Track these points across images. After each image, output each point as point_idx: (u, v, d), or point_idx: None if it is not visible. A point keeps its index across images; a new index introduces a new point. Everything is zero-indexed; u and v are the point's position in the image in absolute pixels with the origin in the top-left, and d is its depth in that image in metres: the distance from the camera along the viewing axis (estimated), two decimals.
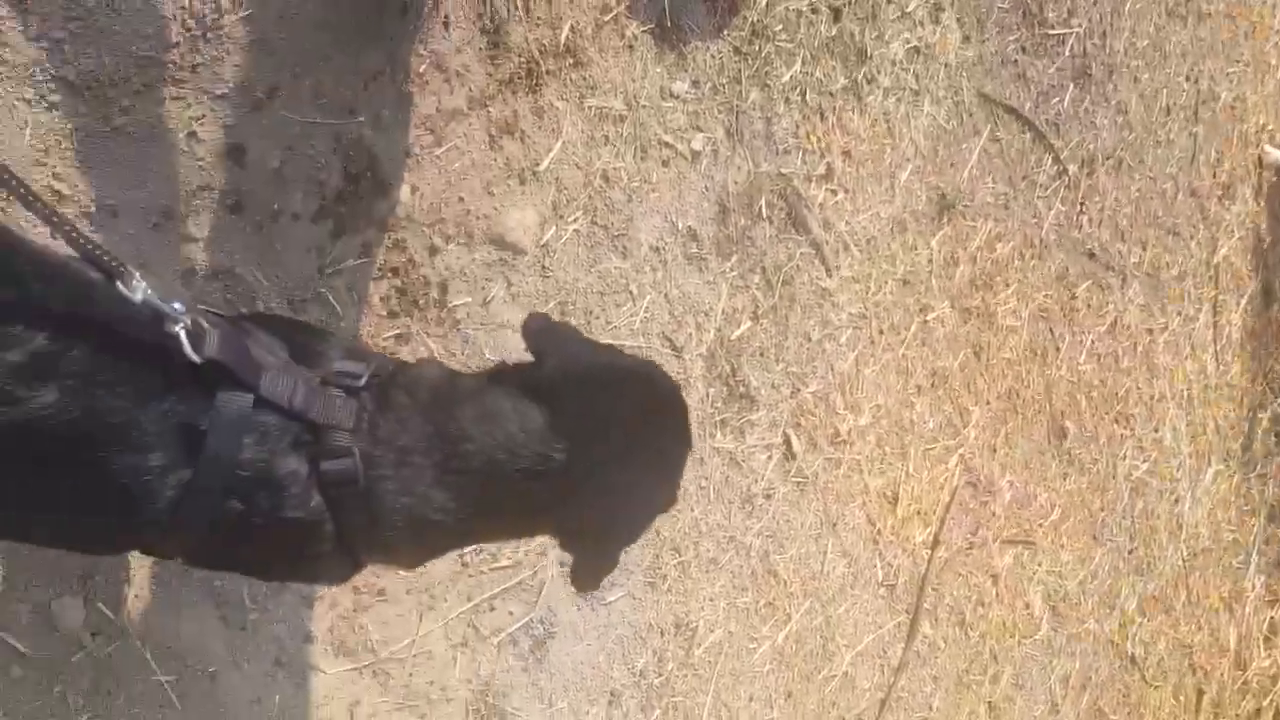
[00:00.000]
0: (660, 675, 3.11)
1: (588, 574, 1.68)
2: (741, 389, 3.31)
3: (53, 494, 1.33)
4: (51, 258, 1.33)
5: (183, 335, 1.32)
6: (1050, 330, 4.77)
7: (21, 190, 1.17)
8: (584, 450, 1.53)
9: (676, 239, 3.10)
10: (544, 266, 2.77)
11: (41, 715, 2.04)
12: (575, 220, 2.83)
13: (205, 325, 1.36)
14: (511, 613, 2.74)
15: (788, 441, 3.48)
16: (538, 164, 2.72)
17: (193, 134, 2.09)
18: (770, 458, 3.42)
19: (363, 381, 1.50)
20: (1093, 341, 5.07)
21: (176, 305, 1.32)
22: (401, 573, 2.48)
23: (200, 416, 1.36)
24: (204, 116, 2.09)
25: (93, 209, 2.01)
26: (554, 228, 2.78)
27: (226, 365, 1.36)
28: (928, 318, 4.06)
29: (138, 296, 1.28)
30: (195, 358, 1.33)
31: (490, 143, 2.61)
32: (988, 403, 4.41)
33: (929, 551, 4.11)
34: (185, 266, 2.12)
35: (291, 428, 1.43)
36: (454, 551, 1.77)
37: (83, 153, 1.99)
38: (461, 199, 2.56)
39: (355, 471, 1.46)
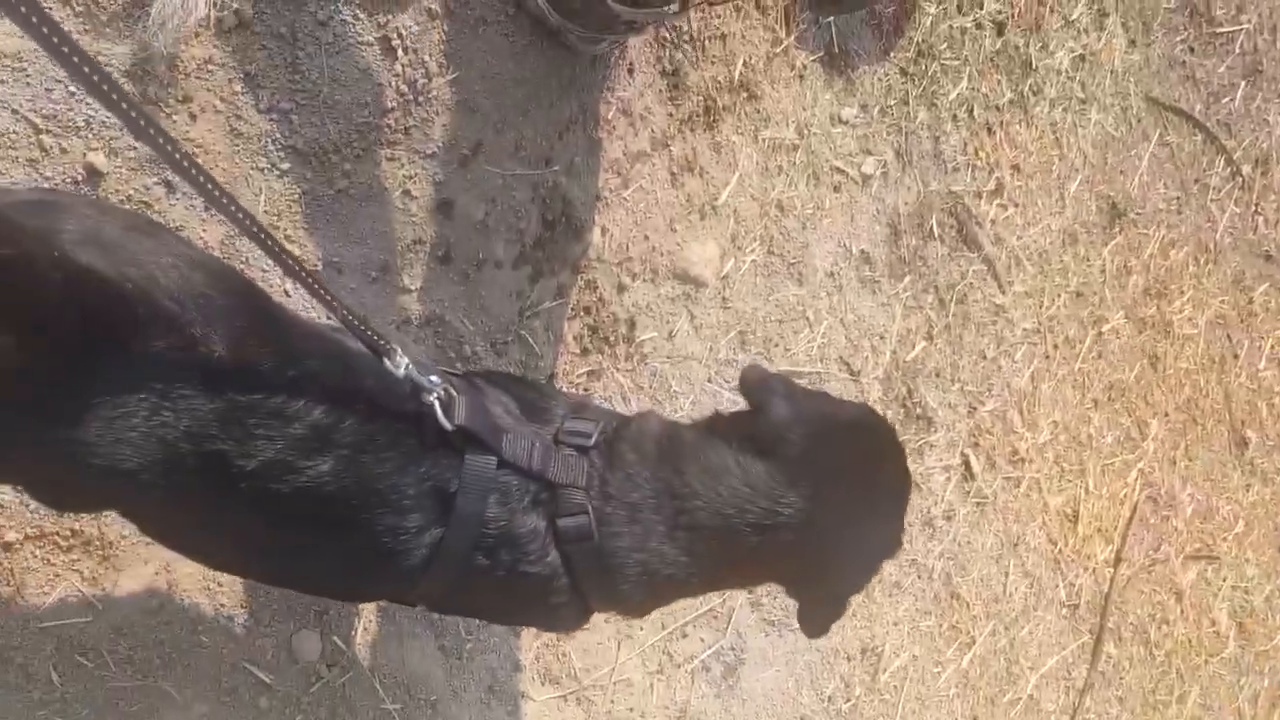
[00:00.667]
0: (848, 700, 3.11)
1: (816, 621, 1.71)
2: (918, 410, 3.30)
3: (322, 551, 1.44)
4: (319, 332, 1.43)
5: (437, 405, 1.41)
6: (1228, 336, 4.61)
7: (310, 280, 1.27)
8: (810, 501, 1.56)
9: (850, 263, 3.11)
10: (724, 298, 2.82)
11: None
12: (753, 251, 2.87)
13: (454, 394, 1.45)
14: (703, 640, 2.79)
15: (966, 462, 3.45)
16: (716, 198, 2.77)
17: (406, 192, 2.21)
18: (949, 479, 3.40)
19: (592, 441, 1.57)
20: (1272, 346, 4.87)
21: (433, 378, 1.42)
22: None
23: (451, 479, 1.45)
24: (416, 175, 2.21)
25: (320, 266, 2.13)
26: (733, 259, 2.83)
27: (474, 431, 1.45)
28: (1102, 330, 3.97)
29: (401, 371, 1.38)
30: (448, 425, 1.42)
31: (672, 180, 2.67)
32: (1166, 414, 4.28)
33: (1111, 569, 4.01)
34: (401, 316, 2.24)
35: (530, 487, 1.51)
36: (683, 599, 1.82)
37: (310, 215, 2.12)
38: (647, 237, 2.63)
39: (589, 528, 1.53)
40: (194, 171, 1.09)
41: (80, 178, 1.93)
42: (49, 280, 1.13)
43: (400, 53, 2.14)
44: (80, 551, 1.98)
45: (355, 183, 2.15)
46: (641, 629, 2.68)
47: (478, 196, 2.29)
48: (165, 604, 2.04)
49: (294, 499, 1.33)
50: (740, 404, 1.70)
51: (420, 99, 2.18)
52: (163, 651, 2.05)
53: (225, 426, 1.25)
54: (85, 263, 1.16)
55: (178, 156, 1.06)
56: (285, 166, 2.09)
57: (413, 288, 2.25)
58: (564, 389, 2.53)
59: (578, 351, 2.56)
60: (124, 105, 1.01)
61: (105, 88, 0.98)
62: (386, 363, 1.37)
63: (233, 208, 1.14)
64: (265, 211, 2.08)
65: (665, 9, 2.09)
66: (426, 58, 2.17)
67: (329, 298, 1.30)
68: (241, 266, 2.03)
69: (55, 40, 0.92)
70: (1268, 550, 4.85)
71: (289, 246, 2.11)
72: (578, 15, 2.17)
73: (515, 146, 2.32)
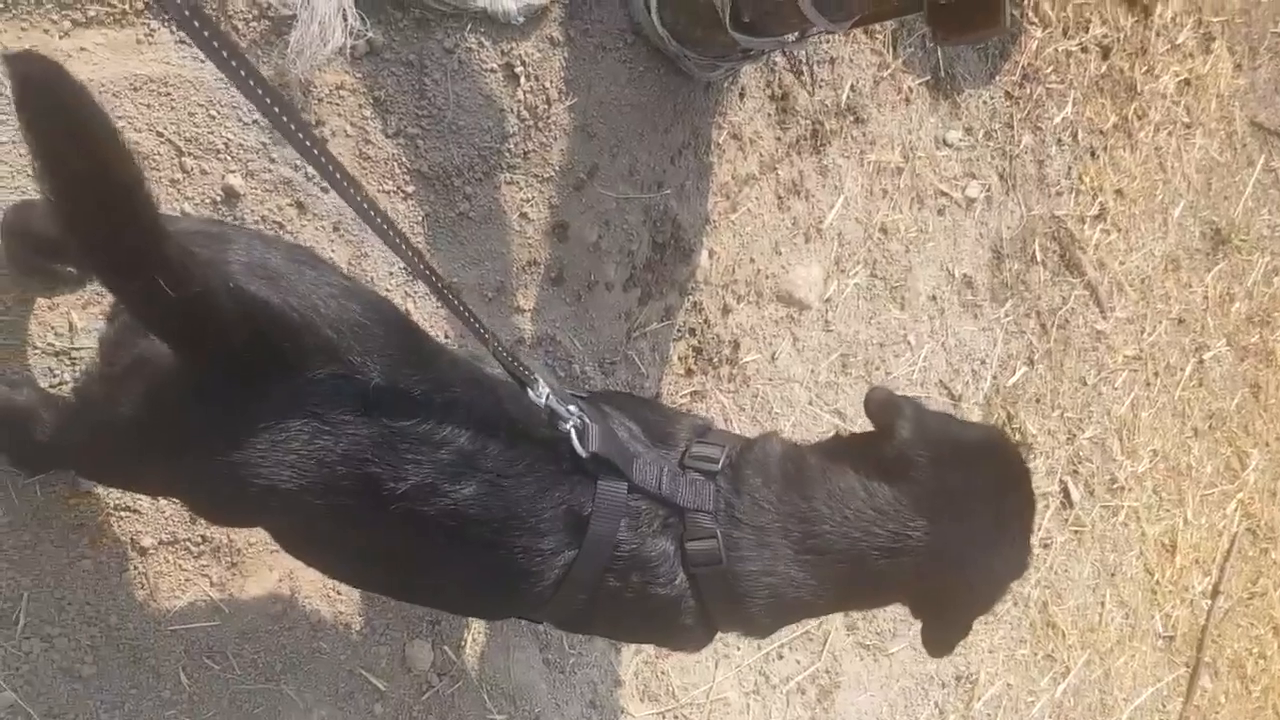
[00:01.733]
0: None
1: (941, 641, 1.72)
2: (1018, 436, 3.27)
3: (461, 571, 1.48)
4: (464, 361, 1.48)
5: (574, 434, 1.45)
6: None
7: (467, 314, 1.32)
8: (938, 524, 1.57)
9: (952, 287, 3.10)
10: (826, 320, 2.83)
11: None
12: (856, 274, 2.88)
13: (589, 422, 1.49)
14: (799, 662, 2.80)
15: (1065, 489, 3.42)
16: (821, 221, 2.78)
17: (524, 215, 2.25)
18: (1048, 506, 3.36)
19: (719, 465, 1.60)
20: None
21: (571, 408, 1.46)
22: None
23: (585, 503, 1.48)
24: (533, 198, 2.26)
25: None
26: (836, 282, 2.84)
27: (607, 457, 1.49)
28: (1204, 357, 3.90)
29: (542, 401, 1.42)
30: (583, 453, 1.46)
31: (779, 204, 2.69)
32: (1267, 444, 4.19)
33: (1209, 602, 3.93)
34: (514, 336, 2.29)
35: (659, 511, 1.55)
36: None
37: (431, 236, 2.17)
38: (752, 260, 2.66)
39: (718, 552, 1.55)
40: (366, 207, 1.15)
41: (219, 198, 2.00)
42: (226, 311, 1.19)
43: (522, 79, 2.19)
44: (210, 558, 2.05)
45: (475, 206, 2.20)
46: (739, 649, 2.70)
47: (592, 219, 2.33)
48: (288, 610, 2.10)
49: (440, 520, 1.38)
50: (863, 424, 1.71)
51: (540, 124, 2.22)
52: (285, 656, 2.11)
53: (379, 450, 1.30)
54: (254, 293, 1.22)
55: (357, 198, 1.12)
56: (410, 190, 2.15)
57: (526, 308, 2.30)
58: None
59: (682, 372, 2.59)
60: (308, 143, 1.07)
61: (295, 128, 1.04)
62: (530, 392, 1.41)
63: (403, 246, 1.19)
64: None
65: (784, 37, 2.12)
66: (547, 84, 2.22)
67: (484, 332, 1.35)
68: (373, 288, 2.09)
69: (223, 53, 0.98)
70: None
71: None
72: (697, 44, 2.21)
73: (629, 170, 2.36)
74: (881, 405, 1.64)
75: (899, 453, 1.58)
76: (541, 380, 1.43)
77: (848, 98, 2.78)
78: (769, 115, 2.63)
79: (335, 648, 2.15)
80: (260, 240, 1.36)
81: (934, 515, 1.56)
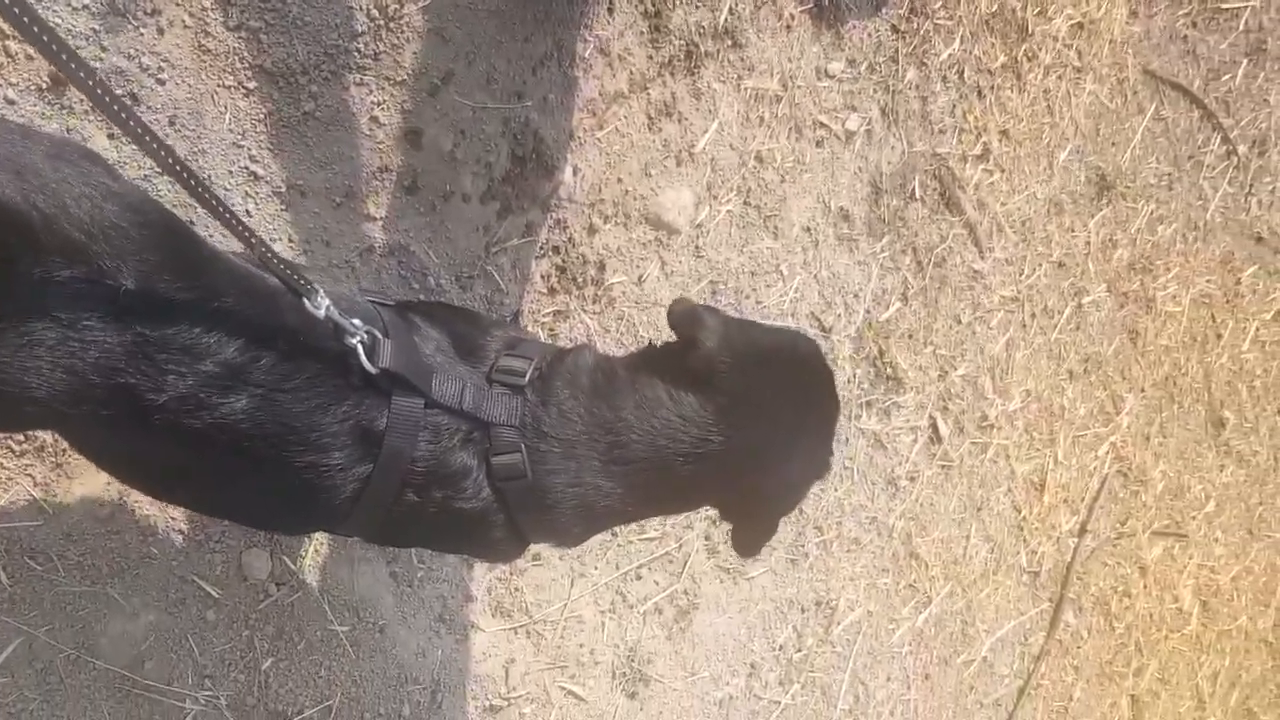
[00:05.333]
0: (800, 650, 3.15)
1: (749, 542, 1.75)
2: (889, 371, 3.31)
3: (245, 487, 1.46)
4: (240, 268, 1.43)
5: (360, 349, 1.42)
6: (1212, 316, 4.61)
7: (221, 210, 1.27)
8: (742, 428, 1.58)
9: (828, 219, 3.11)
10: (697, 246, 2.82)
11: (231, 656, 2.21)
12: (729, 201, 2.87)
13: (379, 336, 1.46)
14: (657, 583, 2.83)
15: (934, 425, 3.47)
16: (694, 145, 2.76)
17: (374, 119, 2.20)
18: (916, 440, 3.42)
19: (526, 378, 1.59)
20: (1257, 329, 4.87)
21: (355, 321, 1.42)
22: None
23: (378, 418, 1.46)
24: (384, 102, 2.20)
25: (283, 189, 2.14)
26: (708, 208, 2.83)
27: (400, 374, 1.46)
28: (1082, 302, 3.97)
29: (321, 313, 1.38)
30: (371, 369, 1.43)
31: (649, 124, 2.66)
32: (1143, 390, 4.29)
33: (1075, 540, 4.04)
34: (364, 245, 2.24)
35: (461, 425, 1.53)
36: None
37: (275, 136, 2.12)
38: (620, 180, 2.63)
39: (522, 466, 1.55)
40: (83, 75, 1.08)
41: (45, 85, 1.93)
42: None
43: None
44: (33, 457, 2.00)
45: (322, 106, 2.15)
46: (596, 569, 2.71)
47: (447, 127, 2.29)
48: (116, 514, 2.06)
49: (210, 434, 1.34)
50: None
51: (391, 24, 2.17)
52: (112, 560, 2.08)
53: (133, 360, 1.26)
54: None
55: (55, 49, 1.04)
56: (252, 86, 2.08)
57: (378, 215, 2.26)
58: (529, 328, 2.54)
59: (545, 291, 2.57)
60: None
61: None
62: (307, 303, 1.38)
63: (130, 121, 1.14)
64: (230, 129, 2.08)
65: None
66: None
67: (248, 235, 1.30)
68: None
69: None
70: (1238, 532, 4.89)
71: (251, 166, 2.12)
72: None
73: (487, 79, 2.31)
74: (684, 316, 1.64)
75: (703, 362, 1.58)
76: (321, 291, 1.39)
77: (726, 20, 2.75)
78: (640, 33, 2.59)
79: (166, 553, 2.12)
80: (22, 134, 1.30)
81: (736, 420, 1.57)
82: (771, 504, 1.71)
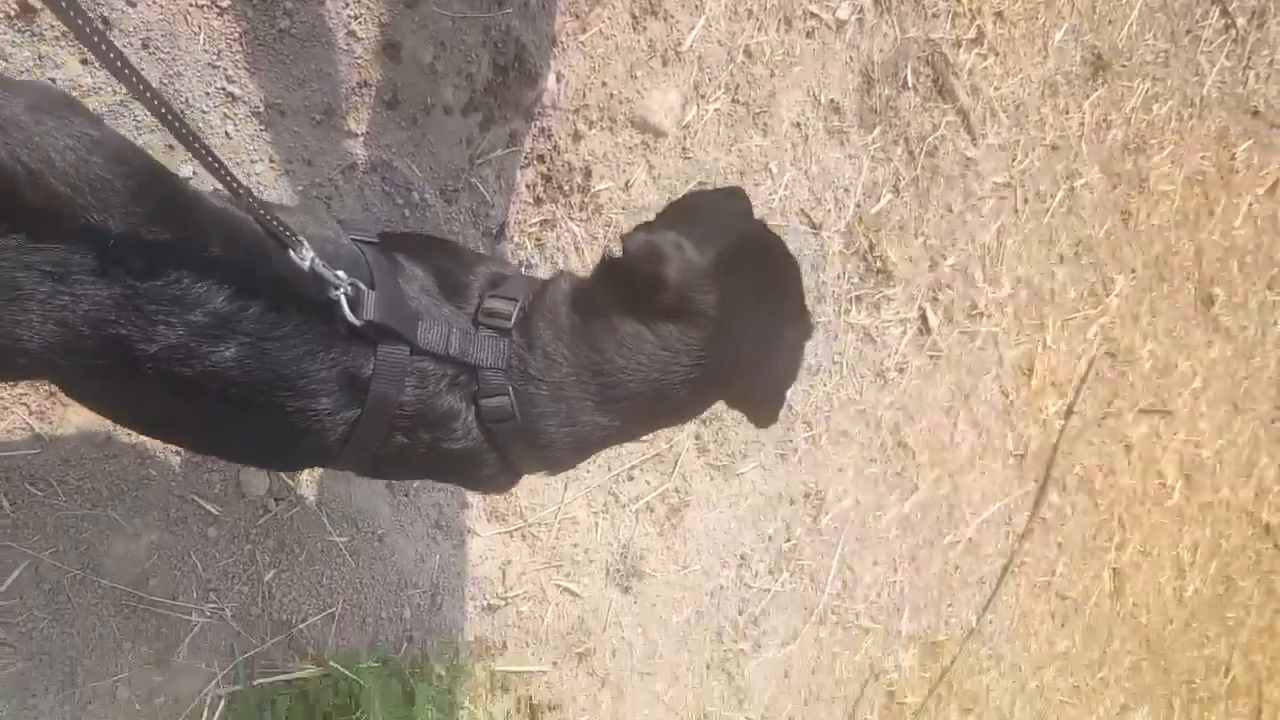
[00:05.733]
0: (789, 540, 3.24)
1: (763, 417, 1.82)
2: (879, 264, 3.31)
3: (236, 432, 1.48)
4: (227, 218, 1.42)
5: (343, 301, 1.42)
6: (1205, 194, 4.58)
7: (207, 157, 1.26)
8: (728, 337, 1.61)
9: (818, 113, 3.06)
10: (684, 148, 2.79)
11: (234, 570, 2.28)
12: (717, 99, 2.82)
13: (363, 289, 1.46)
14: (649, 482, 2.89)
15: (923, 316, 3.49)
16: (680, 43, 2.70)
17: (351, 33, 2.15)
18: (905, 332, 3.44)
19: (511, 320, 1.59)
20: (1250, 204, 4.85)
21: (340, 273, 1.42)
22: None
23: (364, 365, 1.48)
24: (360, 15, 2.15)
25: (262, 109, 2.10)
26: (695, 107, 2.78)
27: (385, 325, 1.47)
28: (1075, 185, 3.94)
29: (305, 265, 1.38)
30: (355, 321, 1.44)
31: (634, 24, 2.60)
32: (1133, 271, 4.30)
33: (1062, 421, 4.10)
34: (346, 162, 2.22)
35: (447, 370, 1.55)
36: None
37: (251, 55, 2.07)
38: (605, 84, 2.58)
39: (509, 408, 1.57)
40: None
41: (13, 12, 1.88)
42: None
43: None
44: (27, 385, 2.02)
45: (298, 22, 2.09)
46: (588, 472, 2.77)
47: (426, 39, 2.24)
48: (112, 439, 2.10)
49: (201, 382, 1.36)
50: None
51: None
52: (111, 483, 2.12)
53: (124, 311, 1.26)
54: None
55: None
56: (226, 4, 2.03)
57: (358, 132, 2.22)
58: (515, 239, 2.53)
59: (531, 200, 2.55)
60: None
61: None
62: (292, 254, 1.38)
63: (118, 63, 1.12)
64: (205, 50, 2.03)
65: None
66: None
67: (236, 185, 1.29)
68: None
69: None
70: (1223, 406, 4.96)
71: (228, 87, 2.08)
72: None
73: None
74: (642, 252, 1.61)
75: (675, 297, 1.58)
76: (306, 243, 1.39)
77: None
78: None
79: (164, 475, 2.16)
80: (2, 86, 1.28)
81: (721, 335, 1.59)
82: (774, 384, 1.77)
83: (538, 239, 2.58)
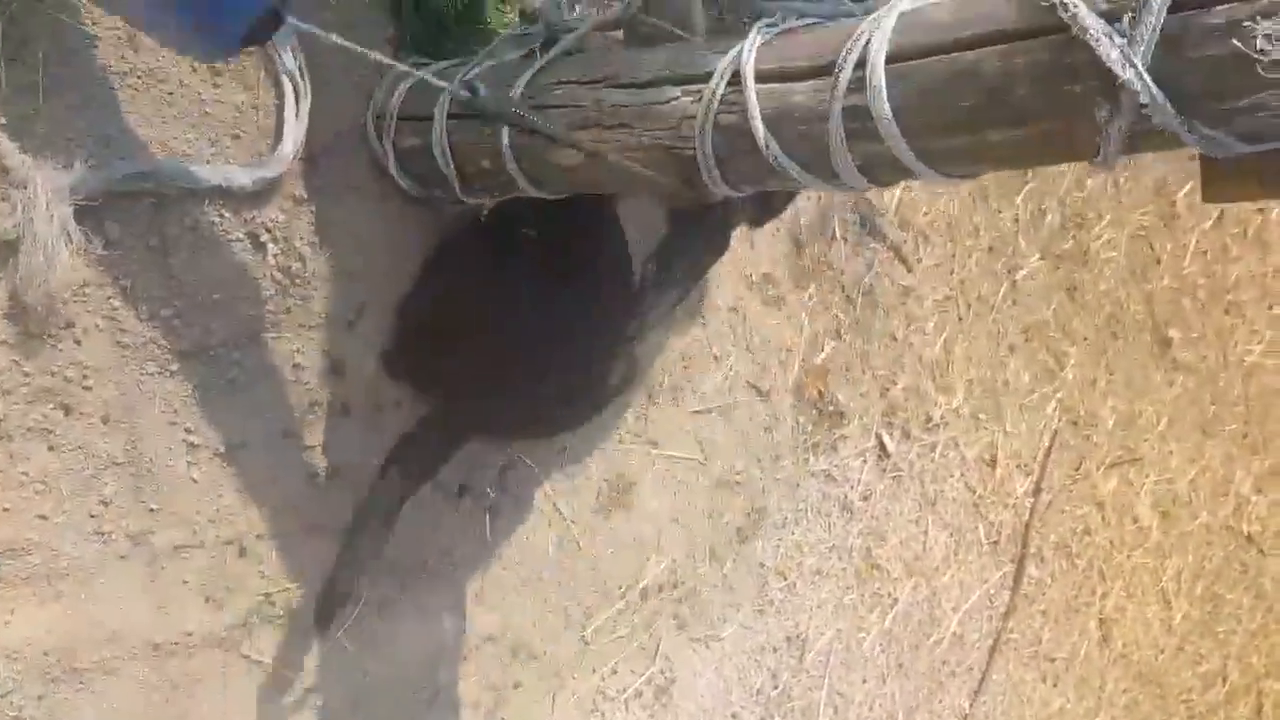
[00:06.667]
0: (776, 688, 3.43)
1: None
2: (831, 408, 3.47)
3: None
4: None
5: None
6: (1150, 245, 4.73)
7: None
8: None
9: (753, 290, 3.22)
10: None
11: None
12: None
13: None
14: (634, 671, 3.07)
15: (880, 442, 3.65)
16: None
17: (296, 365, 2.31)
18: (865, 462, 3.61)
19: None
20: (1196, 240, 4.99)
21: None
22: (531, 663, 2.81)
23: None
24: (302, 348, 2.31)
25: (223, 450, 2.26)
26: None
27: None
28: (1017, 277, 4.09)
29: None
30: None
31: None
32: (1085, 338, 4.45)
33: (1031, 499, 4.27)
34: (311, 472, 2.39)
35: None
36: None
37: (207, 406, 2.23)
38: None
39: None
40: None
41: None
42: None
43: (269, 245, 2.20)
44: None
45: (246, 369, 2.25)
46: (574, 678, 2.95)
47: (367, 351, 2.40)
48: None
49: None
50: None
51: (296, 281, 2.25)
52: None
53: None
54: None
55: None
56: (175, 368, 2.19)
57: (315, 444, 2.39)
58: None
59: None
60: None
61: None
62: None
63: None
64: (161, 412, 2.19)
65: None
66: (296, 242, 2.23)
67: None
68: None
69: None
70: (1191, 436, 5.12)
71: (189, 439, 2.25)
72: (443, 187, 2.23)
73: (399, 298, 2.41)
74: None
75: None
76: None
77: None
78: None
79: None
80: None
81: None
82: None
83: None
